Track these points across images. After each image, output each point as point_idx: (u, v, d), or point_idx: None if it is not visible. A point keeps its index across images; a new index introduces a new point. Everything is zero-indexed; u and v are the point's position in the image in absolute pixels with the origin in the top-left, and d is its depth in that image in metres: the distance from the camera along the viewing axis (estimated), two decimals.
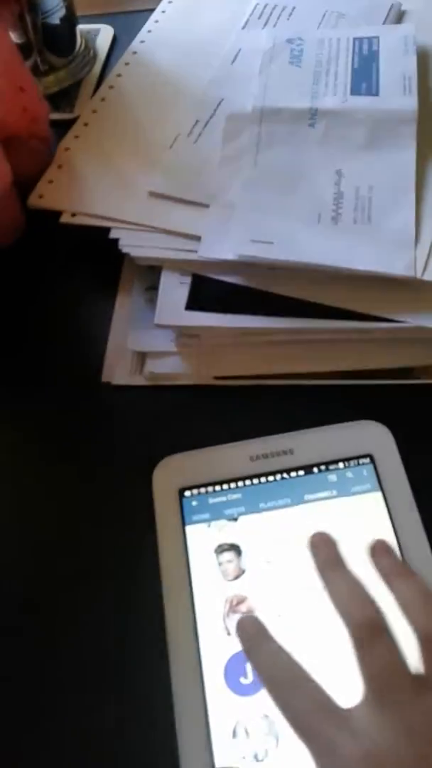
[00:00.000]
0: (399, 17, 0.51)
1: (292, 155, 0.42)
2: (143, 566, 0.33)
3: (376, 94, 0.44)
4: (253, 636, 0.27)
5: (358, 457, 0.34)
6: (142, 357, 0.40)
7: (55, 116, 0.51)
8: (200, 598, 0.31)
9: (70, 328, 0.43)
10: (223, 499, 0.34)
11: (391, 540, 0.31)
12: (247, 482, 0.34)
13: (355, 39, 0.47)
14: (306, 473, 0.34)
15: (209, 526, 0.33)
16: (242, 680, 0.29)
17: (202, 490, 0.34)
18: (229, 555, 0.32)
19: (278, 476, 0.34)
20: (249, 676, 0.29)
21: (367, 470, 0.34)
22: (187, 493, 0.34)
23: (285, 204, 0.40)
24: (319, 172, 0.41)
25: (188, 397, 0.39)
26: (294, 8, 0.52)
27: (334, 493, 0.33)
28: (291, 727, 0.24)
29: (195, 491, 0.34)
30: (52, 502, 0.36)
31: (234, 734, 0.28)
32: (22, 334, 0.43)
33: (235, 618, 0.30)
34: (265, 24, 0.51)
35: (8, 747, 0.30)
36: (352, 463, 0.34)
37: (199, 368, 0.39)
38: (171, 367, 0.39)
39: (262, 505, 0.34)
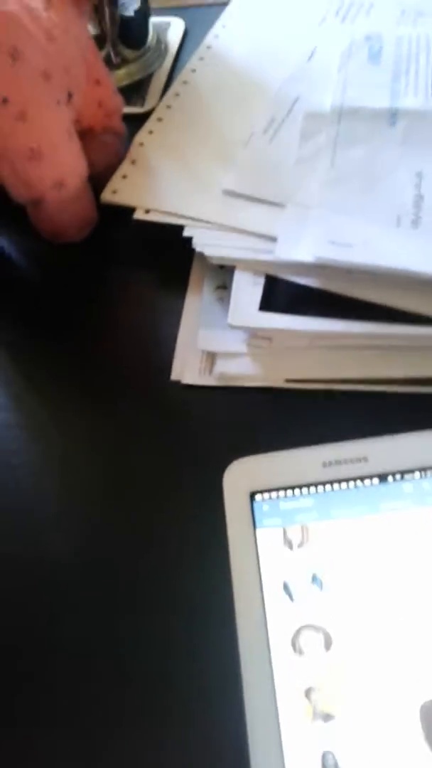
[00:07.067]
0: None
1: (370, 155, 0.41)
2: (212, 572, 0.32)
3: None
4: None
5: None
6: (212, 357, 0.39)
7: (126, 110, 0.51)
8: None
9: (139, 325, 0.42)
10: (295, 504, 0.34)
11: None
12: (320, 488, 0.34)
13: None
14: (380, 482, 0.34)
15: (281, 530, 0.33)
16: None
17: (273, 494, 0.34)
18: None
19: (351, 483, 0.34)
20: None
21: None
22: (258, 497, 0.34)
23: (363, 206, 0.39)
24: (398, 174, 0.40)
25: (259, 399, 0.38)
26: (372, 5, 0.51)
27: (410, 503, 0.33)
28: None
29: (266, 495, 0.34)
30: (120, 503, 0.36)
31: None
32: (91, 330, 0.42)
33: None
34: (343, 20, 0.50)
35: None
36: (428, 473, 0.33)
37: (271, 370, 0.38)
38: (241, 368, 0.39)
39: (334, 512, 0.33)
